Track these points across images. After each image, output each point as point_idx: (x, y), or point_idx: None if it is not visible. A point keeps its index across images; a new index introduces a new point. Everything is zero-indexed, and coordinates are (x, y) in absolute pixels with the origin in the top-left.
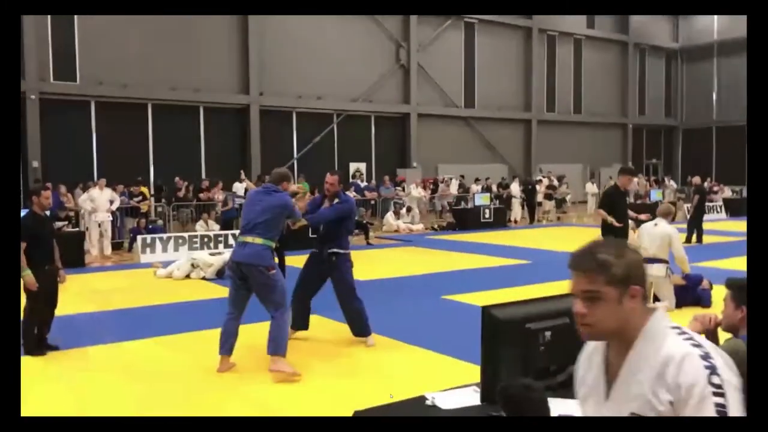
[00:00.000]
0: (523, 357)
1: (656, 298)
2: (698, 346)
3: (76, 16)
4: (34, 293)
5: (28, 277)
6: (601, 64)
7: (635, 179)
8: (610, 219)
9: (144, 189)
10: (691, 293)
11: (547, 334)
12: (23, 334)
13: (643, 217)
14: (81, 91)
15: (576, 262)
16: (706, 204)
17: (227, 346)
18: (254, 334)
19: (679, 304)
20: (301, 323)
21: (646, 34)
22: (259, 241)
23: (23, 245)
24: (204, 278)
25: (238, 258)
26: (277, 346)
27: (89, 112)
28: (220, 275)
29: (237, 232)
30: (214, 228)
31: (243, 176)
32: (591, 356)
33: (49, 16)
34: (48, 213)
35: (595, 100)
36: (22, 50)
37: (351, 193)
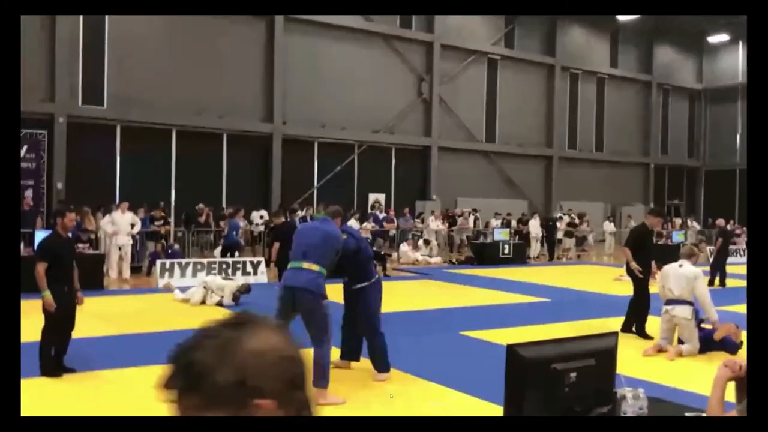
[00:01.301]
0: (547, 397)
1: (680, 341)
2: None
3: (106, 43)
4: (51, 314)
5: (47, 297)
6: (623, 103)
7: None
8: (634, 264)
9: (160, 212)
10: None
11: (573, 375)
12: (40, 355)
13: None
14: (108, 115)
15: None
16: (730, 247)
17: None
18: None
19: (704, 349)
20: (352, 355)
21: (670, 74)
22: (315, 267)
23: (44, 265)
24: (220, 304)
25: (293, 283)
26: (323, 380)
27: (115, 136)
28: (236, 300)
29: (243, 259)
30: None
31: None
32: None
33: (81, 42)
34: (70, 235)
35: (617, 139)
36: (53, 74)
37: (369, 224)
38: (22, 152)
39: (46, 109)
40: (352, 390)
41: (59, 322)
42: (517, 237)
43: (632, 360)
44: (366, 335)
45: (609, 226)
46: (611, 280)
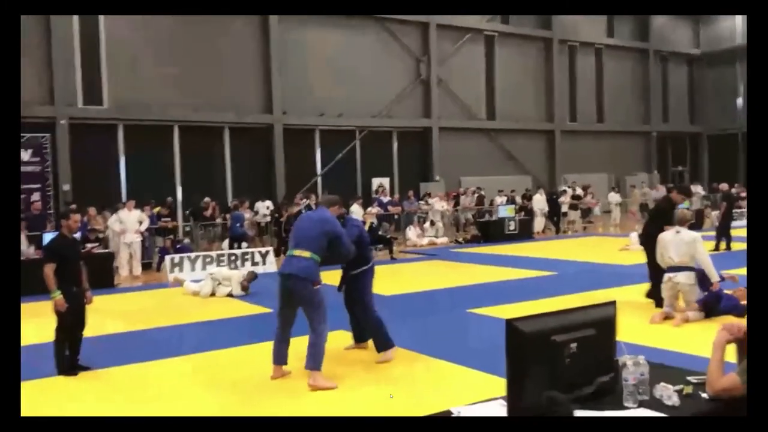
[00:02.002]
0: (549, 370)
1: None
2: None
3: (103, 42)
4: (62, 314)
5: (57, 298)
6: (622, 72)
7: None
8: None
9: (167, 208)
10: (723, 301)
11: (573, 346)
12: (55, 355)
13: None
14: (108, 115)
15: None
16: (735, 210)
17: (281, 357)
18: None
19: (710, 313)
20: (359, 337)
21: (667, 40)
22: (306, 254)
23: (52, 267)
24: (230, 295)
25: (286, 270)
26: (314, 362)
27: (117, 136)
28: (245, 290)
29: (252, 249)
30: (242, 246)
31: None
32: None
33: (77, 43)
34: (78, 235)
35: (618, 109)
36: (52, 76)
37: (374, 209)
38: (27, 156)
39: (47, 113)
40: (352, 371)
41: (70, 322)
42: (522, 213)
43: (638, 327)
44: (361, 317)
45: (615, 197)
46: (617, 251)
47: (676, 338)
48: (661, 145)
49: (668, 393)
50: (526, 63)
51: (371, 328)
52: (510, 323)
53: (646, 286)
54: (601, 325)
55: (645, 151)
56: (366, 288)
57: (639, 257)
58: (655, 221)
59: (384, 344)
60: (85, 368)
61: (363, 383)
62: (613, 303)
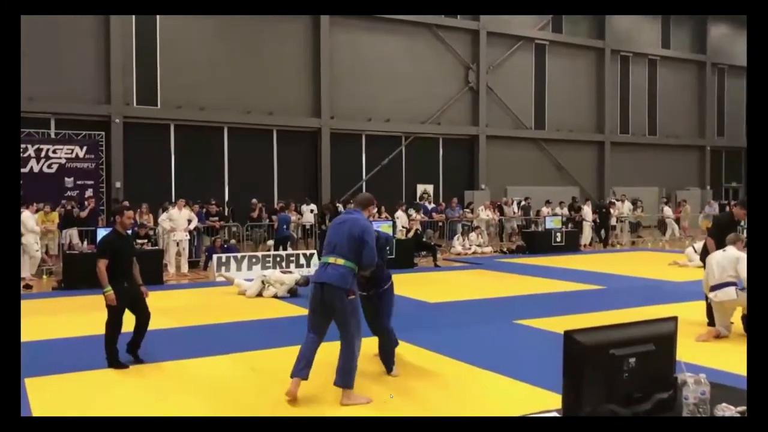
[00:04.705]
0: (607, 383)
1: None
2: None
3: (158, 44)
4: (113, 309)
5: (108, 293)
6: (677, 84)
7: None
8: None
9: (215, 208)
10: None
11: (632, 360)
12: (106, 348)
13: None
14: (161, 115)
15: None
16: None
17: (301, 370)
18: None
19: None
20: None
21: (725, 52)
22: (341, 262)
23: (105, 262)
24: (276, 296)
25: (321, 278)
26: (346, 379)
27: (169, 135)
28: (292, 293)
29: (297, 252)
30: (287, 248)
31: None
32: None
33: (134, 45)
34: (129, 232)
35: (671, 121)
36: (109, 77)
37: (418, 215)
38: (82, 153)
39: (102, 111)
40: (394, 380)
41: (120, 316)
42: (569, 224)
43: (693, 346)
44: (382, 335)
45: (669, 211)
46: (667, 266)
47: (732, 358)
48: (715, 160)
49: (730, 414)
50: (577, 72)
51: (384, 345)
52: (568, 334)
53: (698, 303)
54: (660, 340)
55: (698, 165)
56: (391, 305)
57: (690, 274)
58: (715, 237)
59: (386, 364)
60: (140, 361)
61: (406, 395)
62: (674, 319)
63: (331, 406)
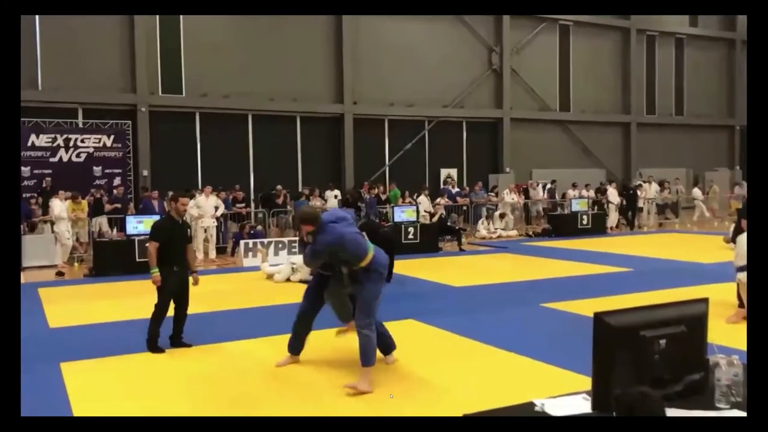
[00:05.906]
0: (637, 365)
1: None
2: None
3: (182, 33)
4: (161, 290)
5: (155, 274)
6: (705, 63)
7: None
8: None
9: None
10: None
11: (662, 342)
12: (149, 330)
13: None
14: (186, 103)
15: None
16: None
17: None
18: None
19: None
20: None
21: None
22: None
23: (155, 245)
24: (302, 281)
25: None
26: (367, 358)
27: (194, 123)
28: None
29: None
30: None
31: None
32: None
33: (158, 35)
34: (183, 218)
35: (699, 101)
36: (134, 67)
37: (443, 200)
38: (109, 142)
39: (128, 100)
40: (420, 365)
41: (168, 300)
42: (596, 207)
43: (723, 328)
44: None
45: (698, 193)
46: (695, 248)
47: None
48: (746, 140)
49: None
50: (602, 53)
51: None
52: (598, 316)
53: (728, 285)
54: (691, 322)
55: (727, 145)
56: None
57: (719, 255)
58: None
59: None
60: (187, 345)
61: (437, 377)
62: (705, 300)
63: (350, 400)
